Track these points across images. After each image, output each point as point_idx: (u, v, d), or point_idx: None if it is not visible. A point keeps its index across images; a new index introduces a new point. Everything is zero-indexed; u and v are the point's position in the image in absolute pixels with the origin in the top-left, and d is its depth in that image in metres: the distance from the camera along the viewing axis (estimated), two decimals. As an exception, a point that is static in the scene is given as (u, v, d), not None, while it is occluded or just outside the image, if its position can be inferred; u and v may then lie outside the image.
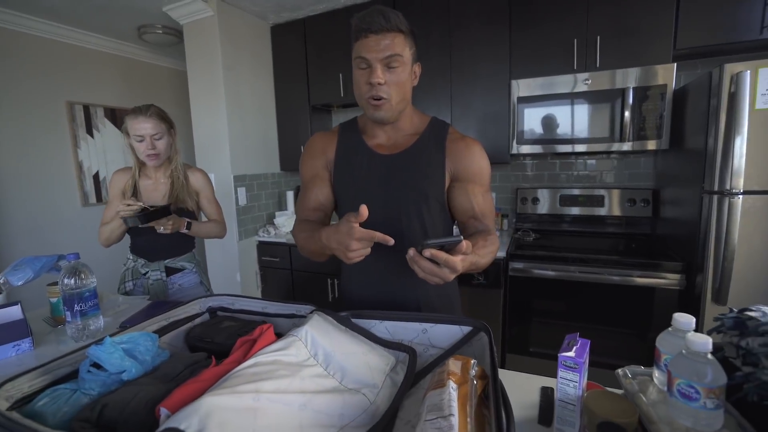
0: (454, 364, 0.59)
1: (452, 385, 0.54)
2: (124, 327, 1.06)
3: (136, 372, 0.64)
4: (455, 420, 0.47)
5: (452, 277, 0.70)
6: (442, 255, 0.66)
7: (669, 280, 1.63)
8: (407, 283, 0.95)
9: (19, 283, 1.15)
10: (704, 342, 0.45)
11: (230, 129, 2.35)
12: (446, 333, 0.78)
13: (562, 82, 1.89)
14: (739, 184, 1.40)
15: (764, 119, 1.36)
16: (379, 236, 0.72)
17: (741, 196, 1.40)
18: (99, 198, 2.76)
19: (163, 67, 3.23)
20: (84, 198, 2.68)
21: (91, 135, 2.70)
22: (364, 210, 0.71)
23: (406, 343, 0.78)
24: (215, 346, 0.78)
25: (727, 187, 1.41)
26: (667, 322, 0.58)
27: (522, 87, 1.97)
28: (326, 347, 0.68)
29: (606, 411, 0.49)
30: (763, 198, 1.39)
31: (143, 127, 1.40)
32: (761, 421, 0.47)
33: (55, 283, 1.13)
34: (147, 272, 1.52)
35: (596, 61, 1.86)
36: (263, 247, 2.55)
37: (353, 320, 0.79)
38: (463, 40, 2.12)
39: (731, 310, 0.55)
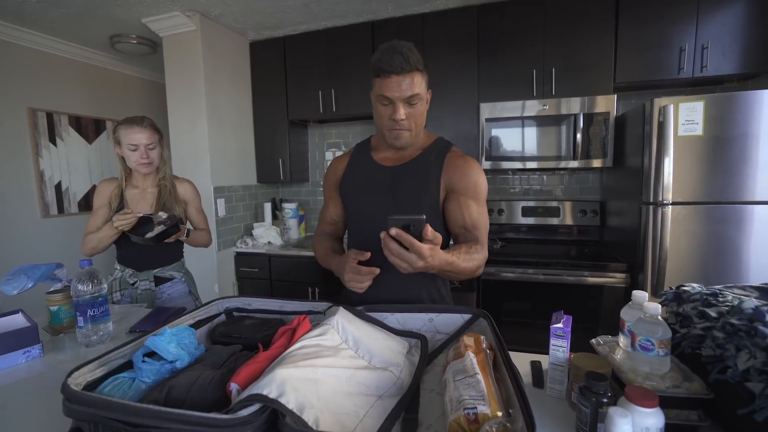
0: (468, 339, 0.73)
1: (470, 354, 0.68)
2: (134, 332, 1.08)
3: (187, 360, 0.70)
4: (480, 377, 0.61)
5: (420, 264, 0.72)
6: (408, 237, 0.70)
7: (616, 279, 1.89)
8: (406, 285, 1.05)
9: (14, 292, 1.13)
10: (656, 307, 0.62)
11: (210, 141, 2.37)
12: (449, 321, 0.92)
13: (524, 107, 2.14)
14: (669, 196, 1.69)
15: (685, 143, 1.66)
16: (365, 270, 0.91)
17: (670, 207, 1.69)
18: (61, 209, 2.62)
19: (132, 76, 3.16)
20: (44, 209, 2.53)
21: (54, 143, 2.58)
22: (367, 254, 0.92)
23: (415, 331, 0.91)
24: (243, 340, 0.86)
25: (660, 199, 1.69)
26: (614, 316, 0.74)
27: (489, 109, 2.20)
28: (354, 334, 0.78)
29: (588, 366, 0.65)
30: (687, 207, 1.69)
31: (138, 137, 1.44)
32: (692, 364, 0.65)
33: (56, 292, 1.13)
34: (135, 282, 1.53)
35: (552, 90, 2.14)
36: (241, 258, 2.56)
37: (368, 313, 0.90)
38: (435, 65, 2.32)
39: (671, 288, 0.73)
